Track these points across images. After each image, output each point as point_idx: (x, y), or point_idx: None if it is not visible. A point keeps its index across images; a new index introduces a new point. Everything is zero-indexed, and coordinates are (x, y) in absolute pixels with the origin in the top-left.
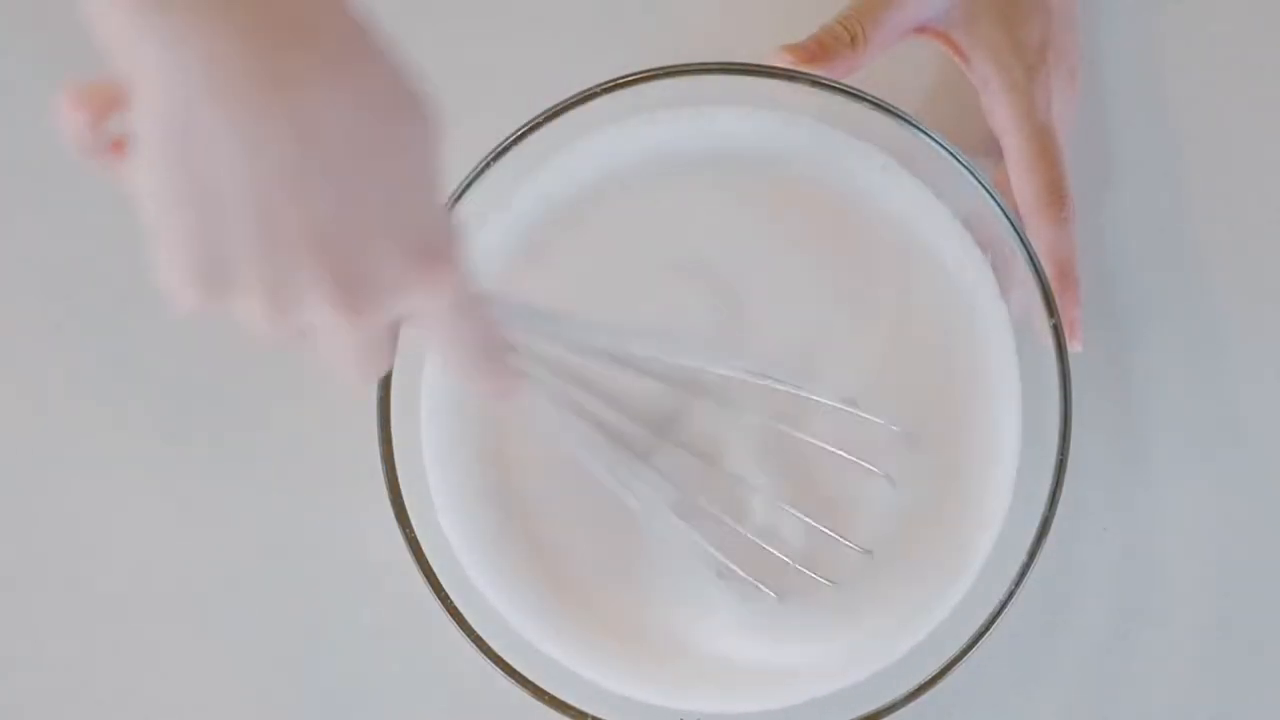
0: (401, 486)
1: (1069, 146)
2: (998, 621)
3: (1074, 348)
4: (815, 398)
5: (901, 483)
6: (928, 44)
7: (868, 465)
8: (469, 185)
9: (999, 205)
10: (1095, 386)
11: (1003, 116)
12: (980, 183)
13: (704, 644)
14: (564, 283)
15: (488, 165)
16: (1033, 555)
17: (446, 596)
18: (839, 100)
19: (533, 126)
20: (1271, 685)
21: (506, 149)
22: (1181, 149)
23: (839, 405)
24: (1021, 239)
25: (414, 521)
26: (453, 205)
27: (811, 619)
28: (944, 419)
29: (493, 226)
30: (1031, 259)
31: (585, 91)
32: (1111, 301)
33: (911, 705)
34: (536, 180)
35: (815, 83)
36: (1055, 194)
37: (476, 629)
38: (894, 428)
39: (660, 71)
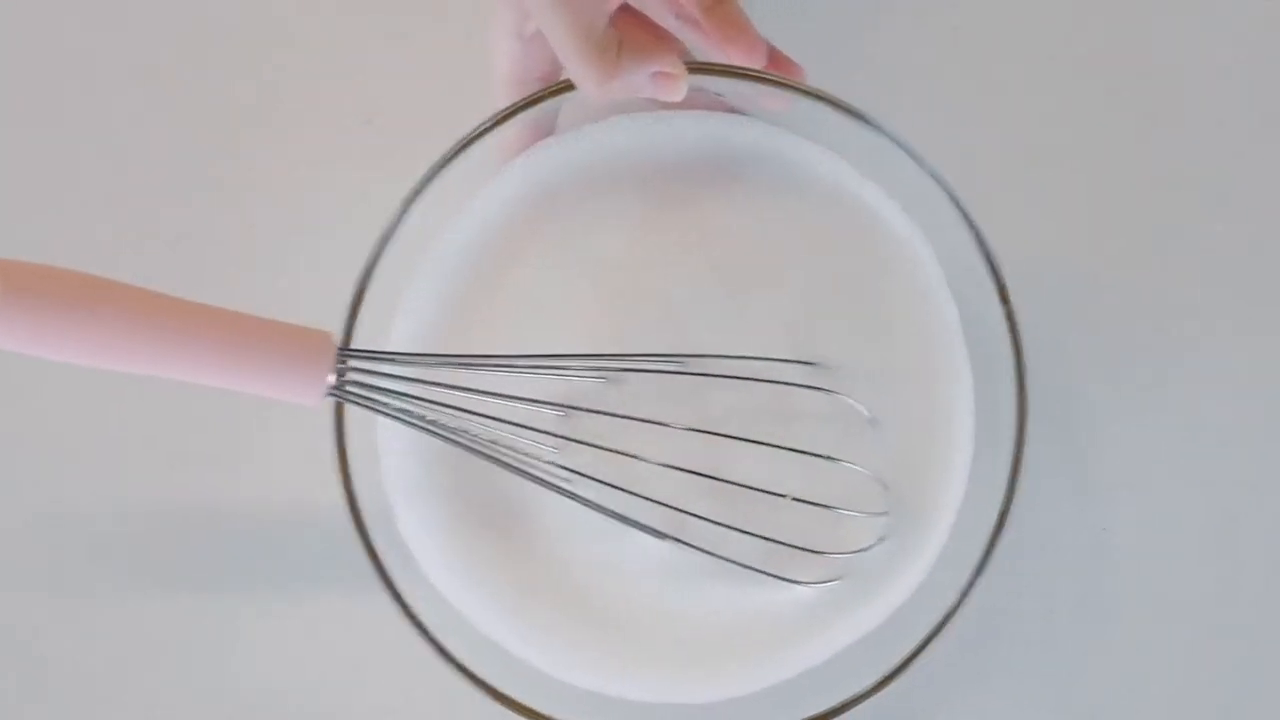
0: (358, 496)
1: None
2: (954, 616)
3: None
4: (790, 382)
5: (863, 469)
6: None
7: (849, 464)
8: (430, 180)
9: (953, 200)
10: (1057, 380)
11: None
12: (934, 177)
13: (670, 636)
14: (523, 285)
15: (447, 163)
16: (989, 550)
17: (406, 604)
18: (792, 99)
19: (484, 130)
20: (1245, 675)
21: (464, 149)
22: (1149, 150)
23: (808, 385)
24: (975, 231)
25: (371, 530)
26: (414, 197)
27: (774, 609)
28: (900, 412)
29: (459, 224)
30: (987, 257)
31: (534, 96)
32: (1079, 311)
33: (872, 700)
34: (492, 186)
35: (768, 81)
36: (592, 41)
37: (437, 636)
38: (861, 409)
39: None
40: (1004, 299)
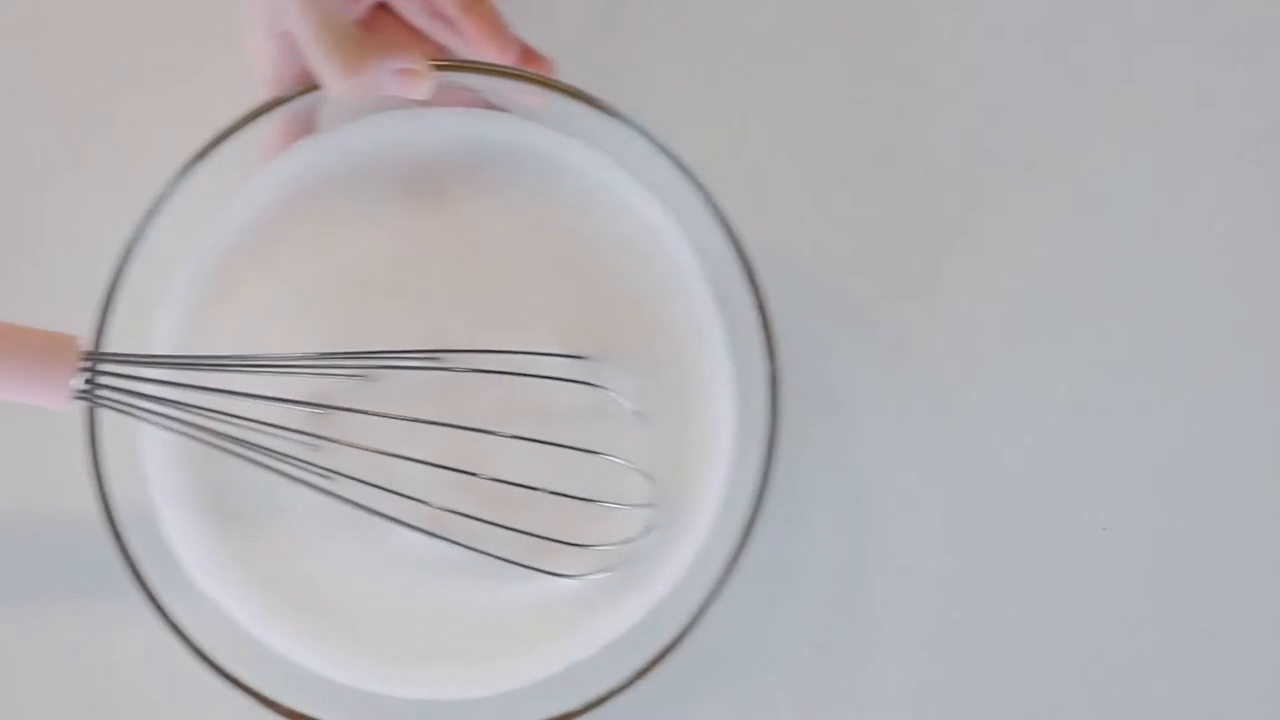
0: (113, 499)
1: None
2: (707, 610)
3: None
4: (555, 376)
5: (625, 462)
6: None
7: (611, 458)
8: (180, 181)
9: (701, 190)
10: (817, 369)
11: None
12: (682, 169)
13: (437, 632)
14: (281, 284)
15: (196, 162)
16: (742, 542)
17: (158, 602)
18: (545, 94)
19: (232, 129)
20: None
21: (212, 148)
22: (906, 139)
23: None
24: (723, 220)
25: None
26: (163, 198)
27: (540, 604)
28: (663, 404)
29: (216, 225)
30: (735, 245)
31: (283, 95)
32: (838, 301)
33: (642, 689)
34: (250, 185)
35: (519, 76)
36: (333, 35)
37: (192, 636)
38: (625, 402)
39: None
40: (754, 288)
